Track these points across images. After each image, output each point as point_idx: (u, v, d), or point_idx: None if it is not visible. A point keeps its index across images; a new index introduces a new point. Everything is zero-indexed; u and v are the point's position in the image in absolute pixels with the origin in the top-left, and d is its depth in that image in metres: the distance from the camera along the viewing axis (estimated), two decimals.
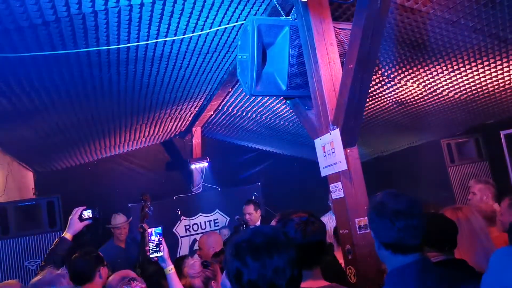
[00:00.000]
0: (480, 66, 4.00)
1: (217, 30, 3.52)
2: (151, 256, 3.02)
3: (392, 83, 4.49)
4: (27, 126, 4.63)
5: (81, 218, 3.35)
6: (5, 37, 2.76)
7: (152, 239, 3.05)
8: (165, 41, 3.42)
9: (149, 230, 3.11)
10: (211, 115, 6.27)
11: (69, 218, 3.33)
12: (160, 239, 3.05)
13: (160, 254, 3.01)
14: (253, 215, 5.68)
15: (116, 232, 5.45)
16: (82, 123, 5.09)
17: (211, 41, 3.76)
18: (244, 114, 6.08)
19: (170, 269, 2.97)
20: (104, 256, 3.35)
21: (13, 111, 4.08)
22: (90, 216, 3.37)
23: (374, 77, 4.35)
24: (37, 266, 4.35)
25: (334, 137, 2.90)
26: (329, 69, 2.99)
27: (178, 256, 6.73)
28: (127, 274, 3.15)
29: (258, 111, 5.88)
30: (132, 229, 6.01)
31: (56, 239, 3.34)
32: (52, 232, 4.55)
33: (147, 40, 3.30)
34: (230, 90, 5.23)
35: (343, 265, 3.11)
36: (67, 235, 3.26)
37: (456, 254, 2.22)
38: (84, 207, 3.38)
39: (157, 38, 3.33)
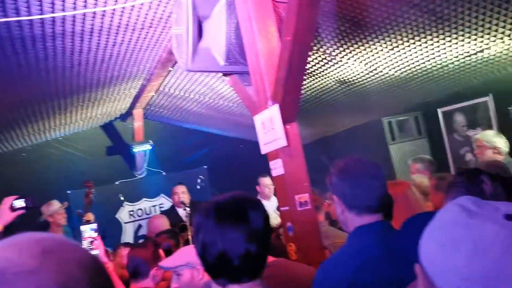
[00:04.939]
0: (418, 43, 4.03)
1: (151, 2, 3.33)
2: None
3: (334, 61, 4.46)
4: None
5: (12, 208, 3.10)
6: None
7: (86, 236, 2.84)
8: (95, 12, 3.19)
9: (82, 227, 2.89)
10: (152, 96, 6.04)
11: None
12: (95, 237, 2.85)
13: (95, 253, 2.82)
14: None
15: (56, 219, 5.23)
16: (11, 105, 4.73)
17: (146, 15, 3.56)
18: (186, 95, 5.90)
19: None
20: None
21: None
22: (23, 205, 3.12)
23: (316, 55, 4.31)
24: None
25: (273, 112, 2.83)
26: (268, 43, 2.89)
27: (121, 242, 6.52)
28: None
29: (201, 91, 5.71)
30: (71, 217, 5.76)
31: None
32: None
33: (74, 10, 3.07)
34: (171, 69, 5.04)
35: None
36: None
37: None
38: (16, 197, 3.11)
39: (85, 8, 3.09)
